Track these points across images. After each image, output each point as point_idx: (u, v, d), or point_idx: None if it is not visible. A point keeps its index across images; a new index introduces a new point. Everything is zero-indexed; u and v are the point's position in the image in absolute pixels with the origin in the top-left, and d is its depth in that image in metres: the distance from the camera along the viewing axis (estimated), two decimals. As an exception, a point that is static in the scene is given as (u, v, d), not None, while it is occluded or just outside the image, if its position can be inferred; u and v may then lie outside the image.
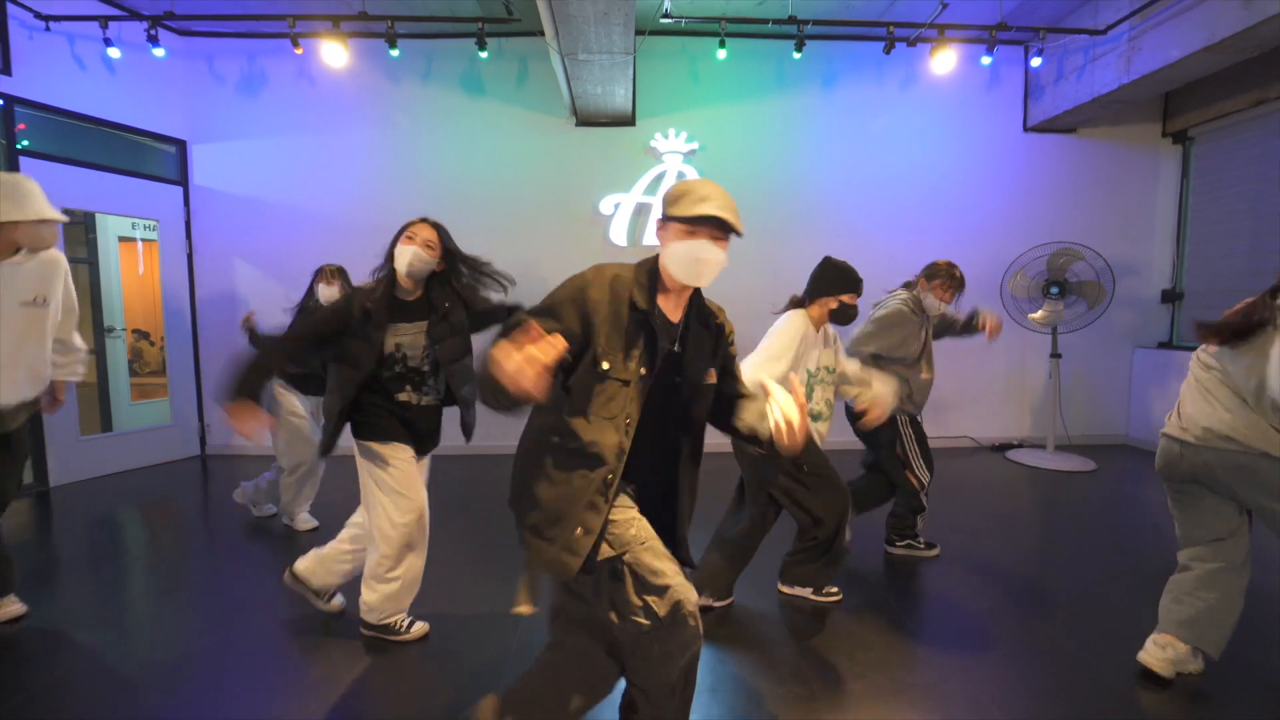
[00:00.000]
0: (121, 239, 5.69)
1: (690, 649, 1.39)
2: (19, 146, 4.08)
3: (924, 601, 2.66)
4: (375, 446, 2.18)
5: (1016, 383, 5.44)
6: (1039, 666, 2.16)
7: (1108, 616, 2.48)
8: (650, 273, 1.45)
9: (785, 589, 2.66)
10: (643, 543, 1.39)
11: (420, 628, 2.33)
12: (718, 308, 1.58)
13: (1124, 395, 5.50)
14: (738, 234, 1.40)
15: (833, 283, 2.44)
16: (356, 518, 2.35)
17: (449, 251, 2.22)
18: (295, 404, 3.34)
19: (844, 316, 2.46)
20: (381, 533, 2.18)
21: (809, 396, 2.43)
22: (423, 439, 2.28)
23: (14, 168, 4.07)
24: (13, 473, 2.44)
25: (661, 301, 1.45)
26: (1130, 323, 5.44)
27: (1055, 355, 4.91)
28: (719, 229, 1.39)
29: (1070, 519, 3.72)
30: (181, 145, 5.08)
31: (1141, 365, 5.42)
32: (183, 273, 5.12)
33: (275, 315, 3.44)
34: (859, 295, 2.47)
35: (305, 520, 3.43)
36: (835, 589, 2.62)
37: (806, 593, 2.61)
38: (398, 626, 2.29)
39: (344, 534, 2.38)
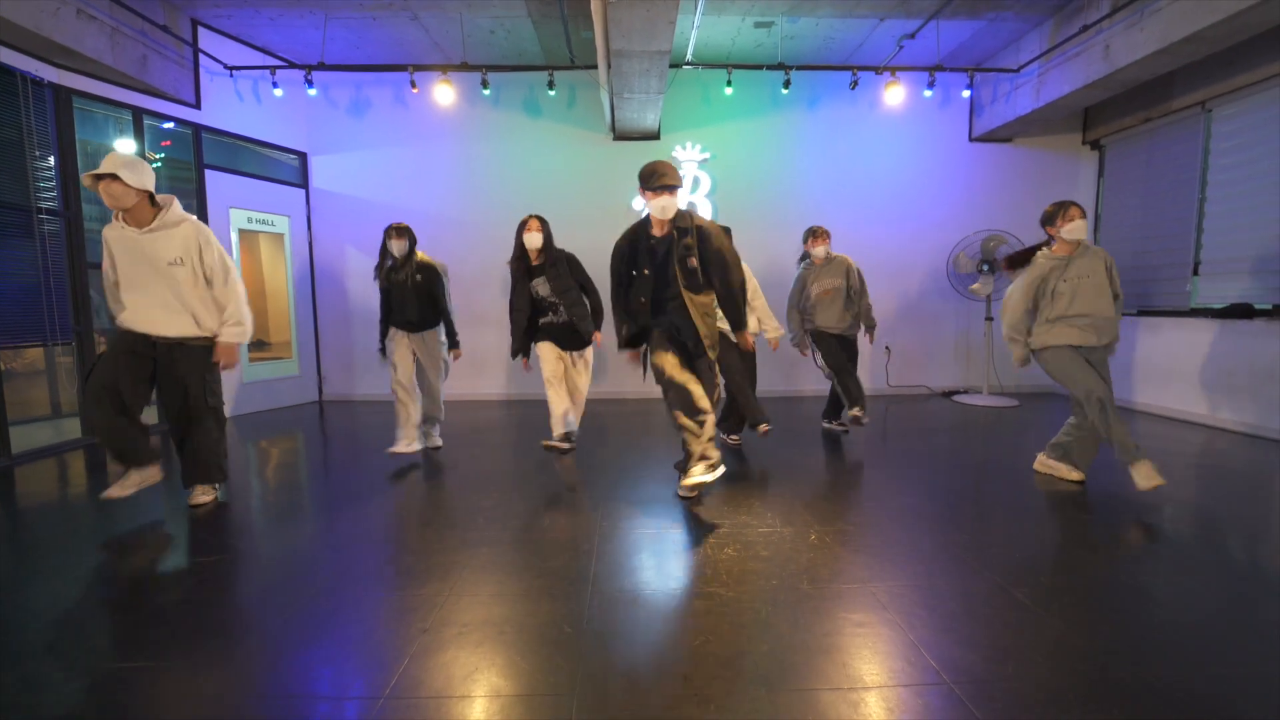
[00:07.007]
0: (241, 231, 7.08)
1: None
2: (158, 161, 5.45)
3: (839, 464, 4.05)
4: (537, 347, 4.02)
5: (962, 343, 6.81)
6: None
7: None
8: (645, 220, 3.16)
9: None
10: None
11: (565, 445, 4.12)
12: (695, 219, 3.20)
13: (1051, 353, 6.85)
14: (679, 186, 3.04)
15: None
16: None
17: (549, 236, 3.89)
18: None
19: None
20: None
21: None
22: (561, 342, 4.01)
23: (202, 178, 5.49)
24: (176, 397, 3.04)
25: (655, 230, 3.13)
26: (1056, 295, 6.79)
27: (989, 319, 6.27)
28: (669, 190, 3.01)
29: (988, 440, 5.10)
30: (303, 156, 6.48)
31: (1065, 329, 6.77)
32: (305, 257, 6.52)
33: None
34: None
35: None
36: (765, 424, 3.93)
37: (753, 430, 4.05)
38: (573, 437, 4.08)
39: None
